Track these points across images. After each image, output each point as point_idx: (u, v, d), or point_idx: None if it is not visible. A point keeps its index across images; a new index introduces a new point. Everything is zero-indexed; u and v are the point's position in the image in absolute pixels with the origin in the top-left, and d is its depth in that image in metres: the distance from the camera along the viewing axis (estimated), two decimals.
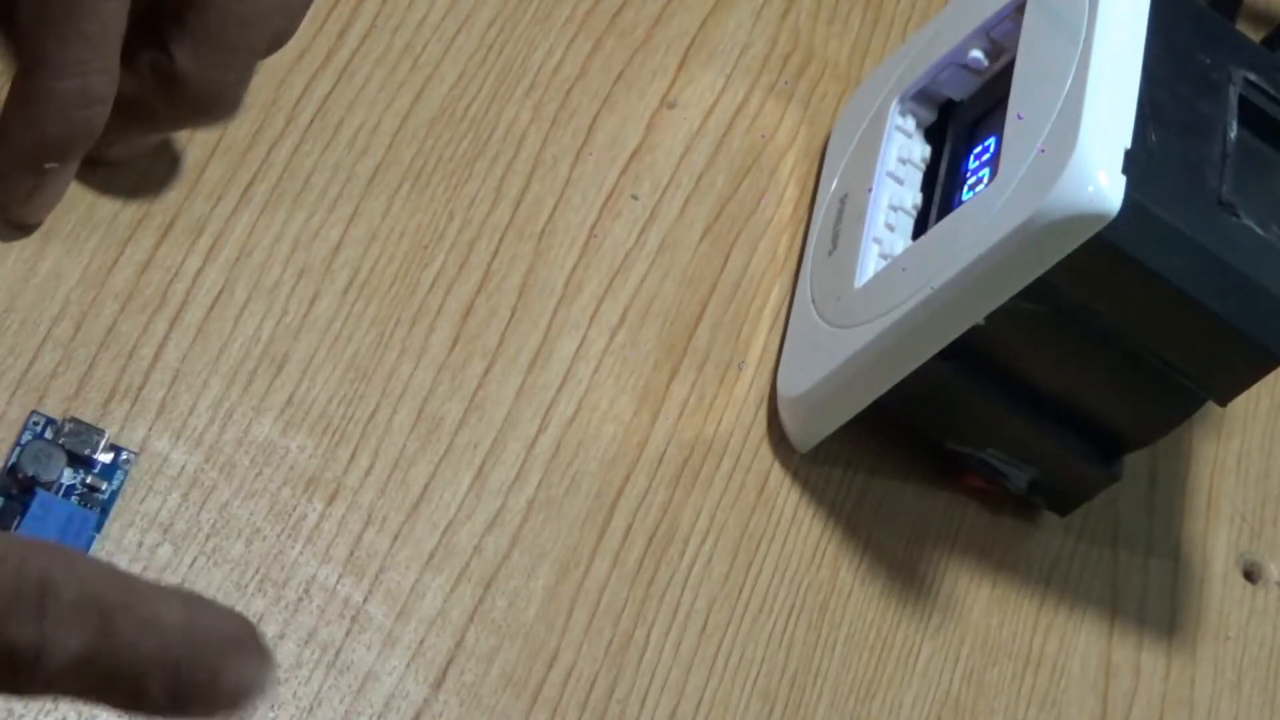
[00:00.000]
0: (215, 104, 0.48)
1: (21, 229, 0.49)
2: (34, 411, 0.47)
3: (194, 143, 0.52)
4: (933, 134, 0.57)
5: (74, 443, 0.46)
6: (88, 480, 0.46)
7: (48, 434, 0.47)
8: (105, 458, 0.47)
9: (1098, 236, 0.47)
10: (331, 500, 0.49)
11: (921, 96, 0.57)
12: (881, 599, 0.53)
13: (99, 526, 0.46)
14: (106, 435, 0.47)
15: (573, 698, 0.49)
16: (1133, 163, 0.48)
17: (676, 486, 0.53)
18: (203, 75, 0.47)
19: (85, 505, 0.46)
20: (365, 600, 0.48)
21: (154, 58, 0.47)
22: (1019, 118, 0.50)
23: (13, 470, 0.46)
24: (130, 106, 0.48)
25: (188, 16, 0.47)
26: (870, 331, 0.51)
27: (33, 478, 0.46)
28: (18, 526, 0.45)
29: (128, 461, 0.47)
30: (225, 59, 0.48)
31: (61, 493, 0.46)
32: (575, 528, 0.51)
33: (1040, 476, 0.54)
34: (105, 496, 0.47)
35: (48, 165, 0.47)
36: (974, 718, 0.53)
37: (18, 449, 0.46)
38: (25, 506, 0.45)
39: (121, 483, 0.47)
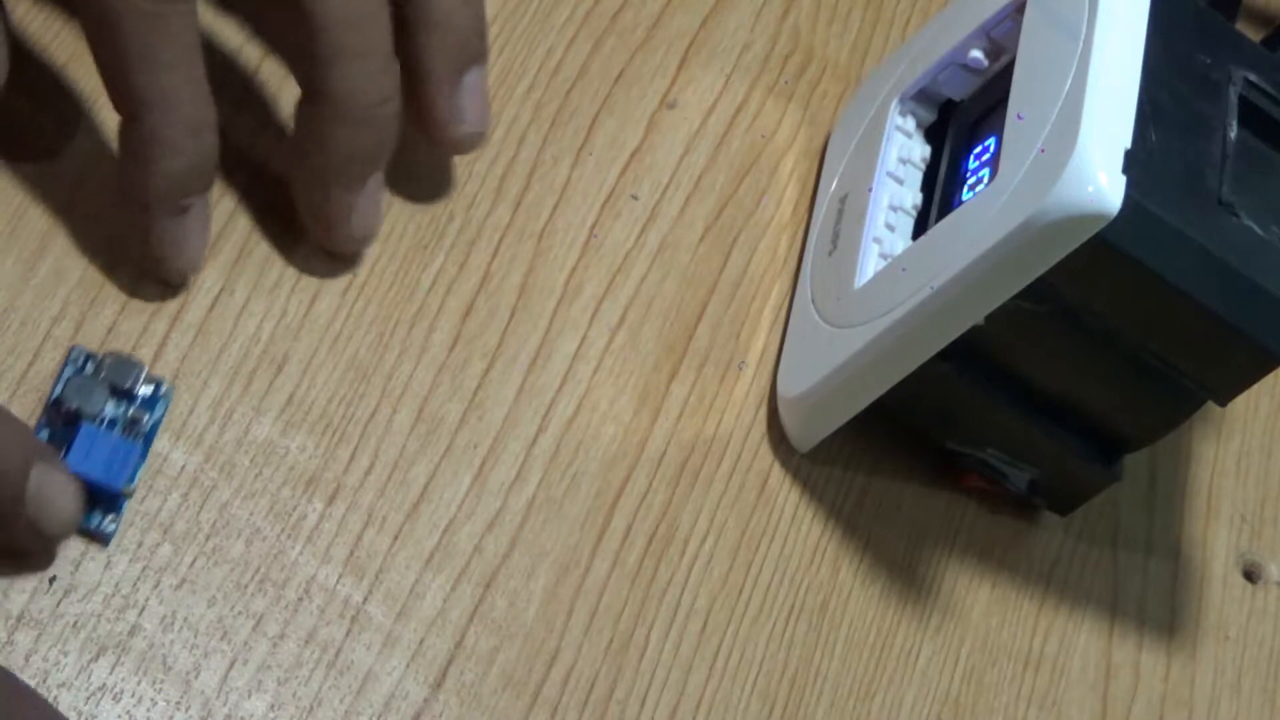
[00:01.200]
0: (378, 114, 0.49)
1: (167, 284, 0.50)
2: (74, 346, 0.48)
3: None
4: (933, 134, 0.57)
5: (115, 376, 0.47)
6: (130, 412, 0.47)
7: (88, 368, 0.48)
8: (145, 390, 0.48)
9: (1098, 236, 0.47)
10: (331, 500, 0.49)
11: (921, 96, 0.57)
12: (881, 599, 0.53)
13: (143, 456, 0.47)
14: (146, 368, 0.48)
15: (573, 698, 0.49)
16: (1133, 163, 0.48)
17: (676, 486, 0.53)
18: (356, 85, 0.49)
19: (129, 436, 0.47)
20: (365, 600, 0.48)
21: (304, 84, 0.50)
22: (1019, 118, 0.50)
23: (56, 404, 0.47)
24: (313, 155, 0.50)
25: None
26: (870, 331, 0.51)
27: (76, 411, 0.47)
28: (65, 458, 0.46)
29: (167, 393, 0.48)
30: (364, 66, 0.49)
31: (104, 425, 0.47)
32: (575, 528, 0.51)
33: (1040, 476, 0.54)
34: (147, 427, 0.48)
35: (184, 202, 0.48)
36: (974, 718, 0.53)
37: (60, 383, 0.47)
38: (70, 439, 0.46)
39: (163, 413, 0.48)
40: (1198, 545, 0.58)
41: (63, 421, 0.47)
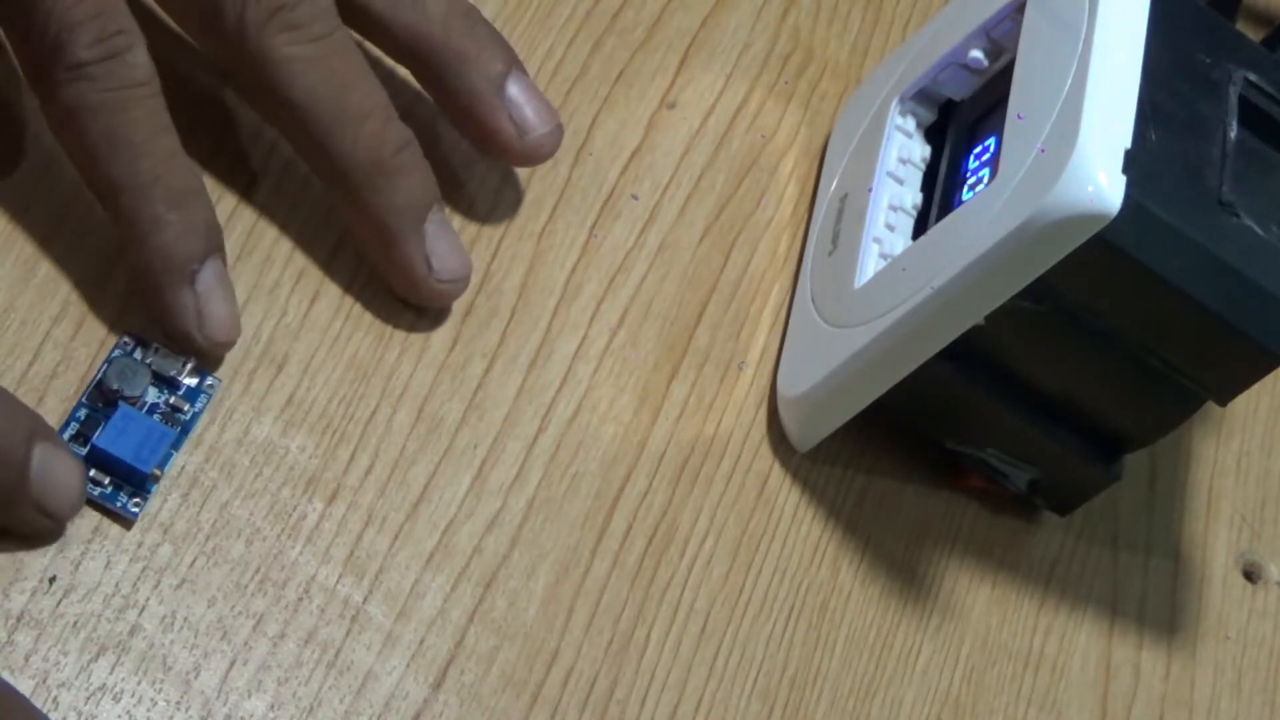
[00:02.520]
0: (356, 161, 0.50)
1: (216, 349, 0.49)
2: (125, 333, 0.48)
3: (191, 149, 0.52)
4: (933, 134, 0.57)
5: (161, 364, 0.48)
6: (171, 400, 0.48)
7: (137, 354, 0.48)
8: (190, 381, 0.48)
9: (1098, 236, 0.47)
10: (331, 500, 0.49)
11: (921, 96, 0.57)
12: (881, 599, 0.53)
13: (177, 445, 0.48)
14: (193, 359, 0.48)
15: (573, 698, 0.49)
16: (1133, 163, 0.48)
17: (676, 486, 0.53)
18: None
19: (167, 424, 0.48)
20: (365, 600, 0.48)
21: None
22: (1019, 118, 0.50)
23: (99, 385, 0.47)
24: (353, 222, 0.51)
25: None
26: (870, 331, 0.51)
27: (117, 392, 0.47)
28: (99, 436, 0.46)
29: (212, 387, 0.49)
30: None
31: (145, 410, 0.48)
32: (575, 528, 0.51)
33: (1040, 476, 0.54)
34: (187, 418, 0.48)
35: (191, 269, 0.48)
36: (974, 718, 0.53)
37: (105, 365, 0.48)
38: (108, 418, 0.47)
39: (204, 406, 0.48)
40: (1198, 545, 0.58)
41: (104, 402, 0.47)
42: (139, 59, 0.47)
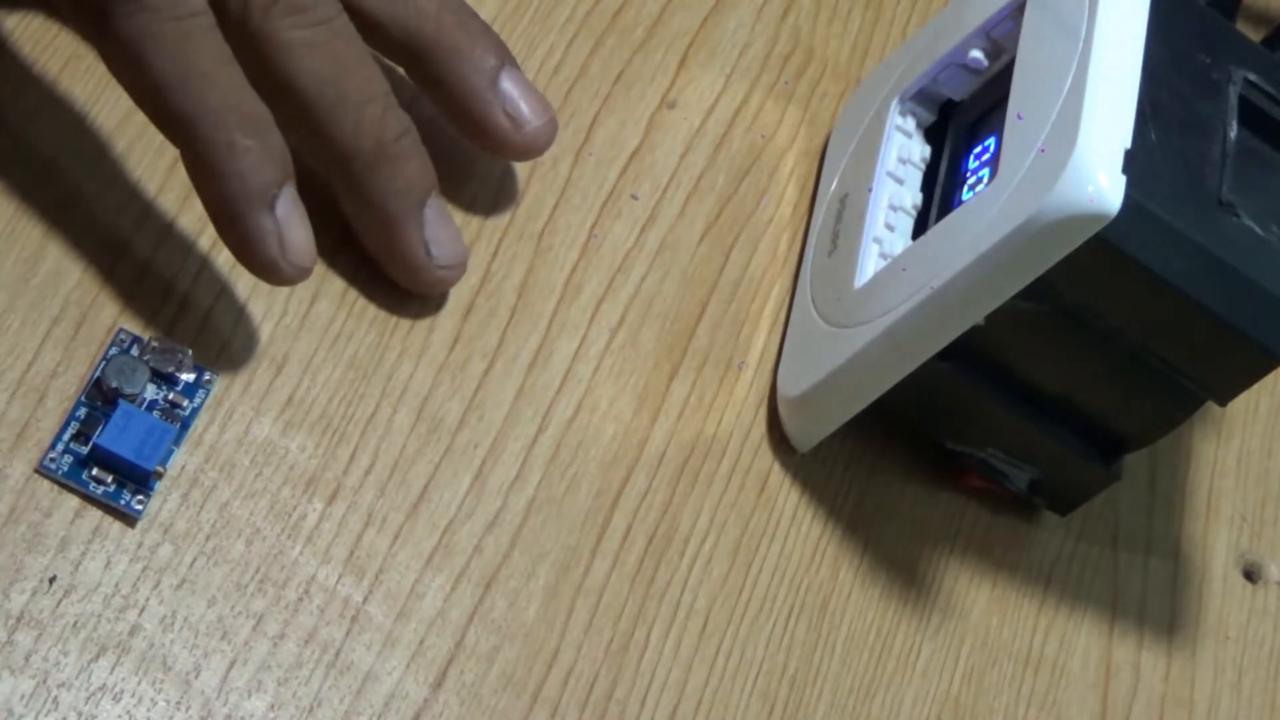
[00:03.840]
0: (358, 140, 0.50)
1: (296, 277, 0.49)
2: (121, 329, 0.48)
3: None
4: (933, 134, 0.57)
5: (159, 360, 0.48)
6: (170, 396, 0.48)
7: (134, 350, 0.48)
8: (188, 376, 0.48)
9: (1098, 236, 0.47)
10: (331, 500, 0.49)
11: (921, 96, 0.57)
12: (881, 599, 0.53)
13: (178, 441, 0.48)
14: (190, 355, 0.48)
15: (573, 698, 0.49)
16: (1133, 163, 0.48)
17: (676, 486, 0.53)
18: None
19: (167, 420, 0.48)
20: (365, 600, 0.48)
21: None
22: (1019, 118, 0.50)
23: (98, 383, 0.47)
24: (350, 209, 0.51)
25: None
26: (870, 331, 0.51)
27: (116, 389, 0.47)
28: (100, 434, 0.46)
29: (210, 381, 0.49)
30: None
31: (144, 407, 0.48)
32: (575, 528, 0.51)
33: (1040, 476, 0.54)
34: (186, 413, 0.48)
35: (271, 194, 0.47)
36: (974, 718, 0.53)
37: (103, 362, 0.48)
38: (108, 416, 0.47)
39: (203, 401, 0.48)
40: (1198, 545, 0.58)
41: (103, 400, 0.47)
42: None
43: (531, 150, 0.54)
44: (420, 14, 0.52)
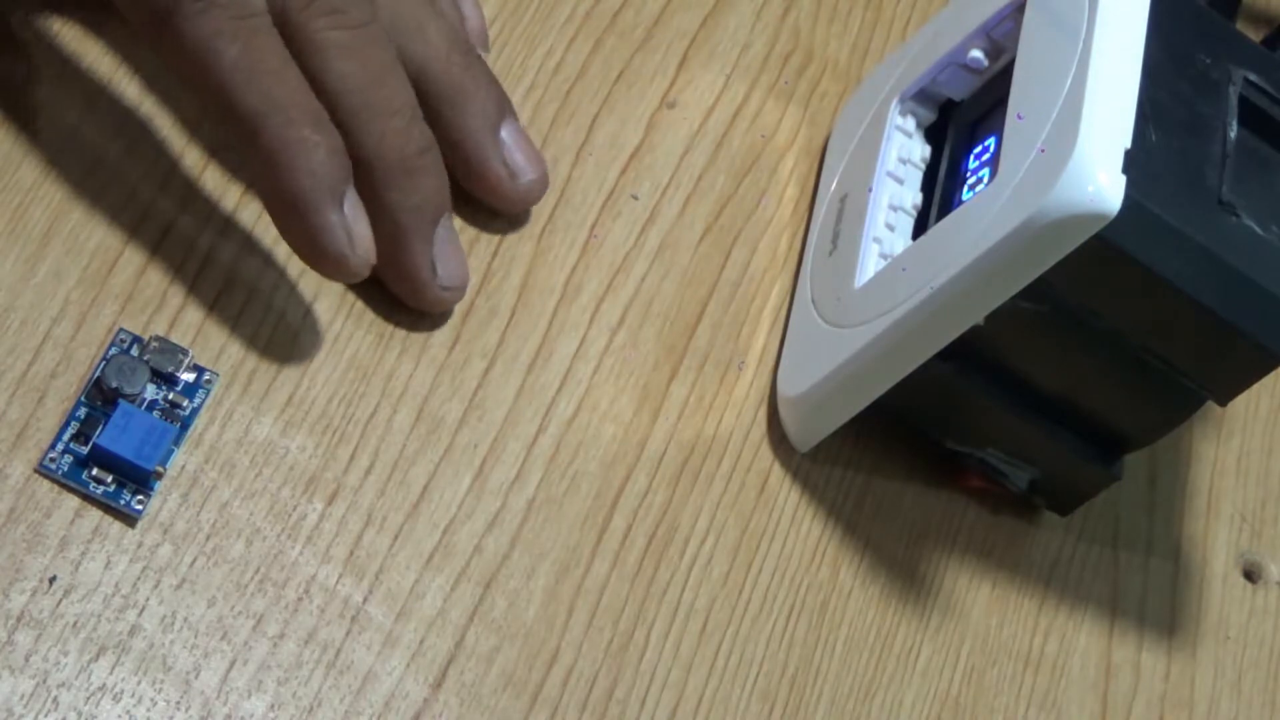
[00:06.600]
0: (400, 156, 0.50)
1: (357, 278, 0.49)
2: (120, 329, 0.48)
3: (194, 146, 0.52)
4: (933, 134, 0.57)
5: (159, 360, 0.48)
6: (170, 396, 0.48)
7: (133, 350, 0.48)
8: (188, 376, 0.49)
9: (1098, 236, 0.47)
10: (331, 500, 0.49)
11: (921, 96, 0.57)
12: (881, 599, 0.53)
13: (178, 441, 0.48)
14: (191, 355, 0.48)
15: (573, 698, 0.49)
16: (1133, 163, 0.48)
17: (676, 486, 0.53)
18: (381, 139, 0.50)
19: (167, 420, 0.48)
20: (365, 600, 0.48)
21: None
22: (1019, 118, 0.50)
23: (98, 383, 0.48)
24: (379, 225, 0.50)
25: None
26: (870, 331, 0.51)
27: (116, 389, 0.47)
28: (100, 434, 0.47)
29: (210, 381, 0.49)
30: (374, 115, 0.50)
31: (144, 406, 0.48)
32: (575, 528, 0.51)
33: (1040, 476, 0.54)
34: (186, 413, 0.48)
35: (341, 190, 0.48)
36: (974, 718, 0.53)
37: (103, 362, 0.48)
38: (108, 417, 0.47)
39: (203, 401, 0.48)
40: (1198, 545, 0.58)
41: (103, 400, 0.47)
42: None
43: (523, 201, 0.54)
44: (431, 50, 0.52)
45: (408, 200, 0.50)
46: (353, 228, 0.48)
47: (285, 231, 0.48)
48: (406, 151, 0.50)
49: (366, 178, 0.50)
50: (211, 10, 0.47)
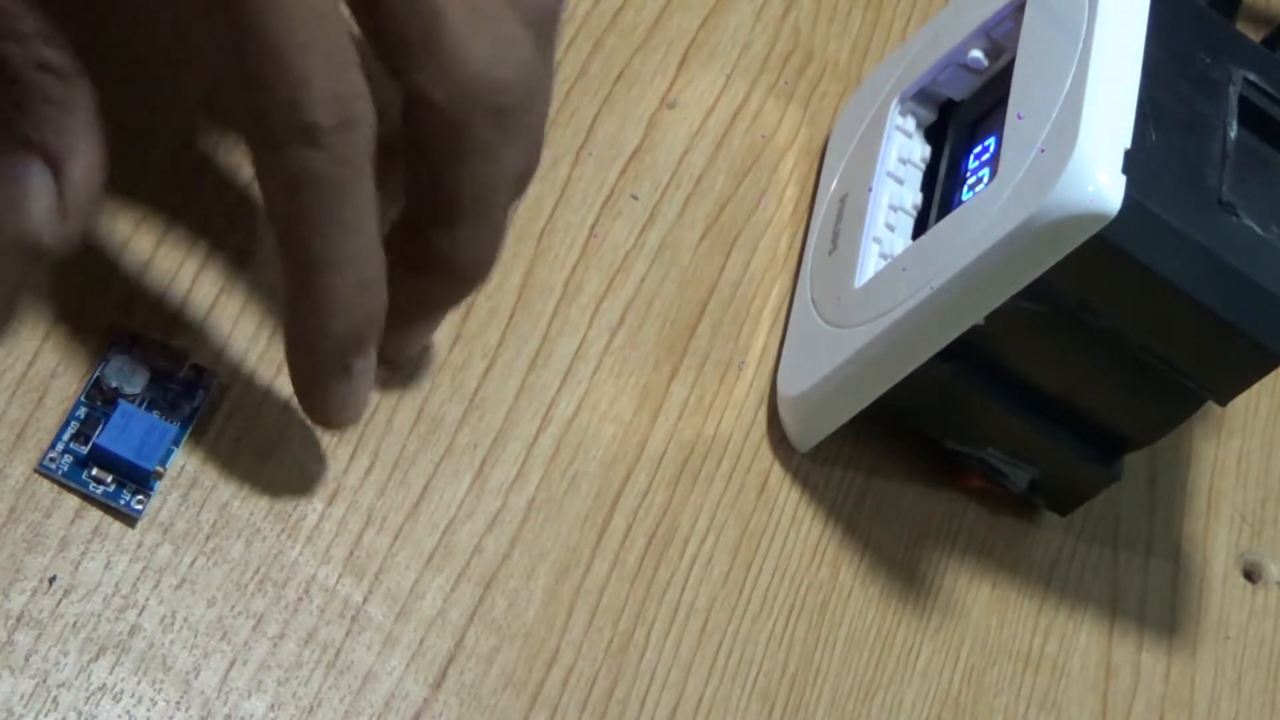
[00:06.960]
0: (483, 271, 0.47)
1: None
2: (120, 329, 0.48)
3: (194, 146, 0.52)
4: (933, 134, 0.57)
5: (159, 360, 0.48)
6: (170, 396, 0.48)
7: (134, 350, 0.48)
8: (188, 376, 0.48)
9: (1098, 236, 0.47)
10: (331, 500, 0.49)
11: (921, 96, 0.57)
12: (881, 599, 0.53)
13: (178, 441, 0.48)
14: (191, 355, 0.48)
15: (573, 698, 0.49)
16: (1133, 162, 0.48)
17: (676, 486, 0.53)
18: (467, 252, 0.46)
19: (167, 420, 0.48)
20: (365, 600, 0.48)
21: (413, 252, 0.46)
22: (1019, 118, 0.50)
23: (98, 383, 0.47)
24: (403, 304, 0.46)
25: (437, 203, 0.46)
26: (870, 331, 0.51)
27: (116, 389, 0.47)
28: (100, 434, 0.47)
29: (210, 381, 0.49)
30: (482, 229, 0.47)
31: (144, 407, 0.48)
32: (575, 528, 0.51)
33: (1040, 476, 0.54)
34: (186, 413, 0.48)
35: (351, 363, 0.45)
36: (974, 718, 0.53)
37: (103, 362, 0.48)
38: (108, 417, 0.47)
39: (204, 401, 0.48)
40: (1198, 545, 0.58)
41: (103, 400, 0.47)
42: (369, 130, 0.43)
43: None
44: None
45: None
46: (349, 397, 0.46)
47: (293, 367, 0.46)
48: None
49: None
50: (311, 149, 0.42)
